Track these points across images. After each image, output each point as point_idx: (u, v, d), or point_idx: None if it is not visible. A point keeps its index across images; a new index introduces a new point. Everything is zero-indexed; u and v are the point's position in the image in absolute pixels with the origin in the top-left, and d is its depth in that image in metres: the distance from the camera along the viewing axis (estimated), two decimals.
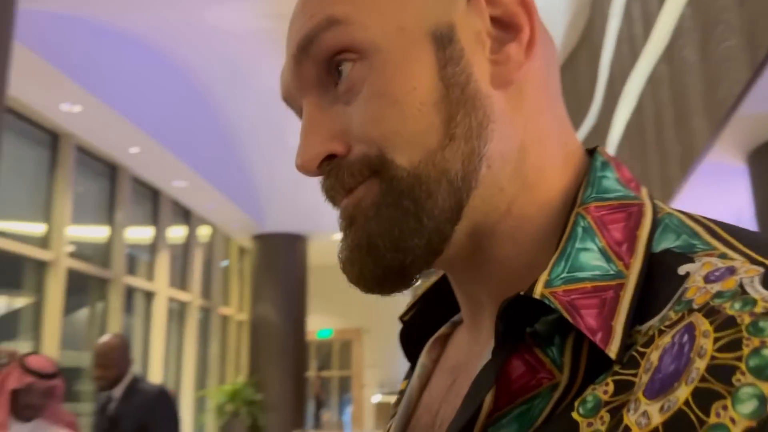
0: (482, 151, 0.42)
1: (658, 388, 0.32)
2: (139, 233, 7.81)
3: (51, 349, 5.65)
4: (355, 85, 0.43)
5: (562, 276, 0.38)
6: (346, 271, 0.44)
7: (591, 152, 0.46)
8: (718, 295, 0.33)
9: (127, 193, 7.29)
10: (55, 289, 5.87)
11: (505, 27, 0.44)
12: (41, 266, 5.88)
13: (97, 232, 7.09)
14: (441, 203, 0.41)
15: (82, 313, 6.99)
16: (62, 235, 6.00)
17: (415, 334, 0.56)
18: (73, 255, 6.30)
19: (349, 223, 0.44)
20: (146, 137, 6.51)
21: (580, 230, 0.40)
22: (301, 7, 0.46)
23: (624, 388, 0.34)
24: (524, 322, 0.38)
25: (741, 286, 0.33)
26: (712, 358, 0.31)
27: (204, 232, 9.71)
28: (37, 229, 5.99)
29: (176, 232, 8.68)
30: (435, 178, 0.41)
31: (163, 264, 8.05)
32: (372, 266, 0.42)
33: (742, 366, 0.30)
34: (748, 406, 0.29)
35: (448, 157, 0.41)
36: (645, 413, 0.32)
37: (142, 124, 6.39)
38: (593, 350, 0.36)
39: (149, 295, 7.87)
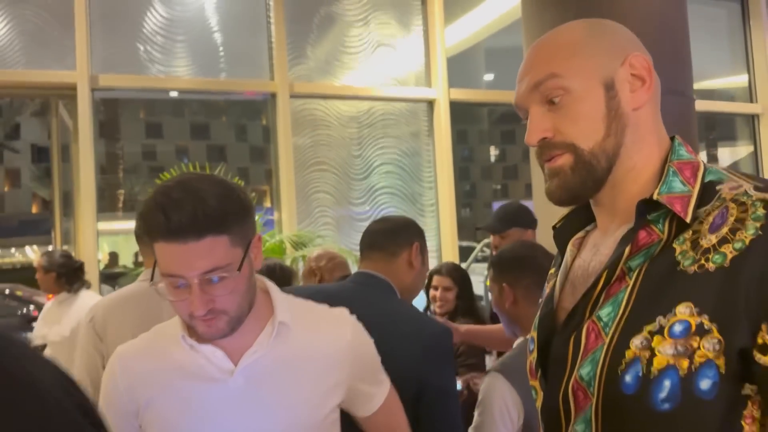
0: (621, 142, 0.88)
1: (714, 229, 0.80)
2: None
3: None
4: (563, 106, 0.88)
5: (663, 190, 0.85)
6: (551, 199, 0.92)
7: (672, 138, 0.92)
8: (737, 195, 0.81)
9: None
10: None
11: (638, 78, 0.89)
12: (752, 119, 6.03)
13: None
14: (603, 167, 0.88)
15: None
16: (766, 85, 5.96)
17: (561, 236, 1.02)
18: None
19: (551, 176, 0.91)
20: None
21: (671, 172, 0.87)
22: (533, 58, 0.92)
23: (696, 233, 0.82)
24: (646, 214, 0.85)
25: (745, 191, 0.81)
26: (736, 216, 0.79)
27: None
28: (742, 81, 6.11)
29: None
30: (599, 155, 0.88)
31: None
32: (565, 196, 0.90)
33: (749, 217, 0.78)
34: (751, 230, 0.77)
35: (606, 145, 0.88)
36: (708, 239, 0.80)
37: None
38: (679, 222, 0.83)
39: None
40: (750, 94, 6.05)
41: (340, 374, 1.21)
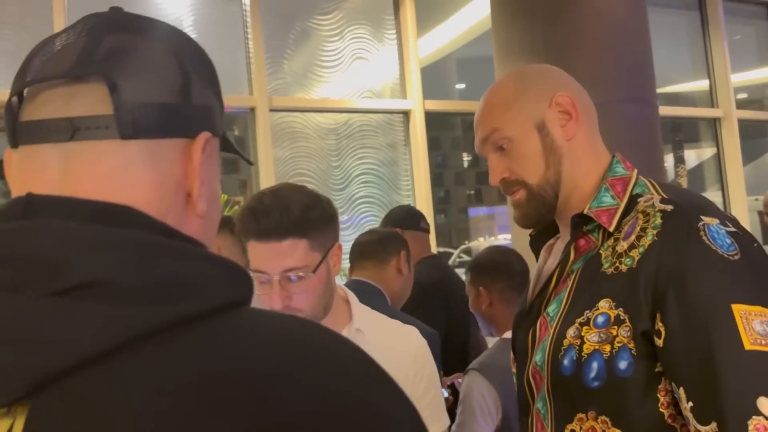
0: (560, 170, 1.05)
1: (626, 236, 0.97)
2: None
3: (736, 196, 6.05)
4: (509, 152, 1.06)
5: (594, 206, 1.01)
6: (518, 225, 1.10)
7: (614, 155, 1.08)
8: (646, 206, 0.97)
9: None
10: (731, 141, 6.18)
11: (565, 113, 1.05)
12: (714, 122, 6.27)
13: (762, 74, 6.95)
14: (550, 194, 1.05)
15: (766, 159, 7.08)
16: (726, 87, 6.19)
17: (536, 243, 1.19)
18: (742, 103, 6.41)
19: (514, 207, 1.07)
20: None
21: (603, 188, 1.03)
22: (479, 115, 1.10)
23: (616, 240, 0.98)
24: (583, 226, 1.02)
25: (653, 203, 0.96)
26: (641, 225, 0.95)
27: None
28: (703, 85, 6.35)
29: None
30: (545, 186, 1.05)
31: None
32: (528, 223, 1.08)
33: (650, 225, 0.94)
34: (650, 237, 0.93)
35: (548, 177, 1.04)
36: (622, 245, 0.96)
37: None
38: (607, 232, 0.99)
39: None
40: (711, 99, 6.28)
41: (403, 387, 1.25)
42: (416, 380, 1.30)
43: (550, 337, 1.00)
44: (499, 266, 1.86)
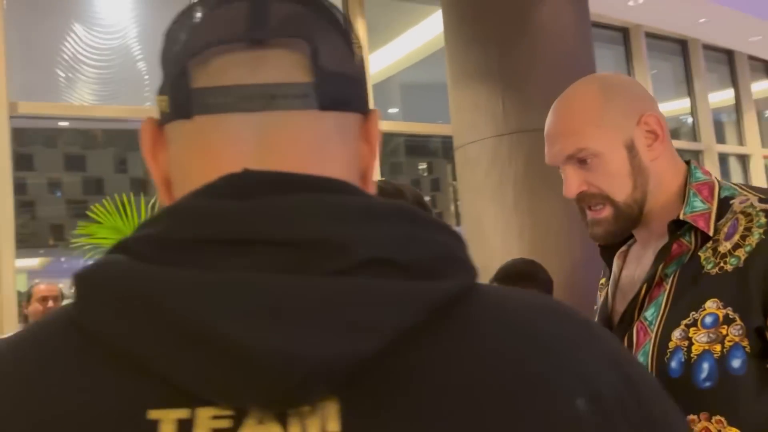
0: (647, 190, 1.05)
1: (728, 237, 0.97)
2: (720, 97, 7.78)
3: None
4: (594, 167, 1.04)
5: (687, 211, 1.01)
6: (596, 241, 1.10)
7: (688, 162, 1.09)
8: (744, 207, 0.98)
9: (700, 62, 7.34)
10: None
11: (652, 133, 1.05)
12: None
13: (678, 106, 7.43)
14: (636, 212, 1.05)
15: None
16: None
17: (607, 252, 1.18)
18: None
19: (595, 224, 1.07)
20: (714, 5, 6.41)
21: (691, 193, 1.03)
22: (561, 130, 1.07)
23: (715, 242, 0.98)
24: (676, 230, 1.02)
25: (752, 203, 0.98)
26: (745, 225, 0.97)
27: None
28: None
29: (758, 88, 8.25)
30: (632, 204, 1.05)
31: (751, 124, 7.84)
32: (611, 239, 1.09)
33: (754, 225, 0.96)
34: (756, 236, 0.95)
35: (635, 195, 1.04)
36: (724, 245, 0.97)
37: None
38: (703, 235, 1.00)
39: (743, 159, 7.84)
40: None
41: None
42: None
43: (652, 341, 1.00)
44: (527, 275, 1.89)
